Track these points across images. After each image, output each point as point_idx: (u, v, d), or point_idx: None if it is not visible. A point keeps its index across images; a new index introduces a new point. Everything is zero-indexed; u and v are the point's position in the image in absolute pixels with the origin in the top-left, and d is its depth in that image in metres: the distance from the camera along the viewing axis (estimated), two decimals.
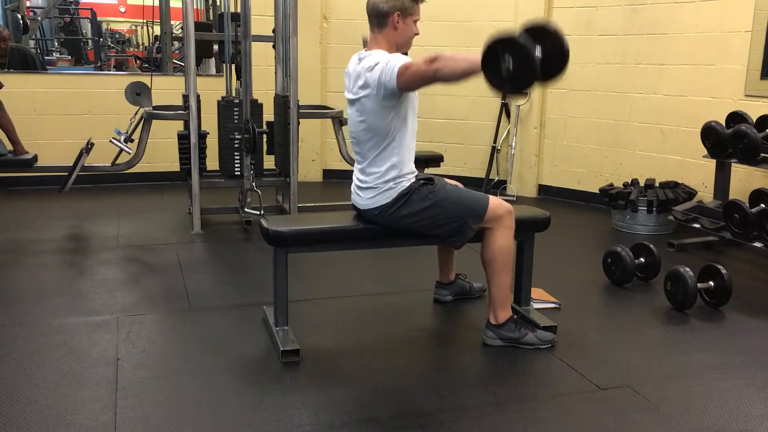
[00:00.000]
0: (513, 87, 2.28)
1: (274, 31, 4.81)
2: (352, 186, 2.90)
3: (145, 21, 9.63)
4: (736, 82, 4.57)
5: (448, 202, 2.76)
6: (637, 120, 5.26)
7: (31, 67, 6.12)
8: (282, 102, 4.63)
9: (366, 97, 2.67)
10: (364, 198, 2.81)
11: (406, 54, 2.79)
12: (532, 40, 2.22)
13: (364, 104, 2.70)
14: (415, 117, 2.78)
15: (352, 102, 2.78)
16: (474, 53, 2.33)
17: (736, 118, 4.27)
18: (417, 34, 2.79)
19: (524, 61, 2.18)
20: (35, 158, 4.85)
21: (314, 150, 6.39)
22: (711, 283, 3.33)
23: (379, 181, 2.75)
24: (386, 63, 2.57)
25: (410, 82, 2.53)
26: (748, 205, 3.85)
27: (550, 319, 3.05)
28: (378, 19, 2.72)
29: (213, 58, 6.30)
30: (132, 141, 4.69)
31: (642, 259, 3.70)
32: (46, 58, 9.06)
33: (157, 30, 8.31)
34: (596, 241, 4.69)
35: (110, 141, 4.61)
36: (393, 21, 2.70)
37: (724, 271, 3.30)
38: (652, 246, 3.69)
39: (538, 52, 2.24)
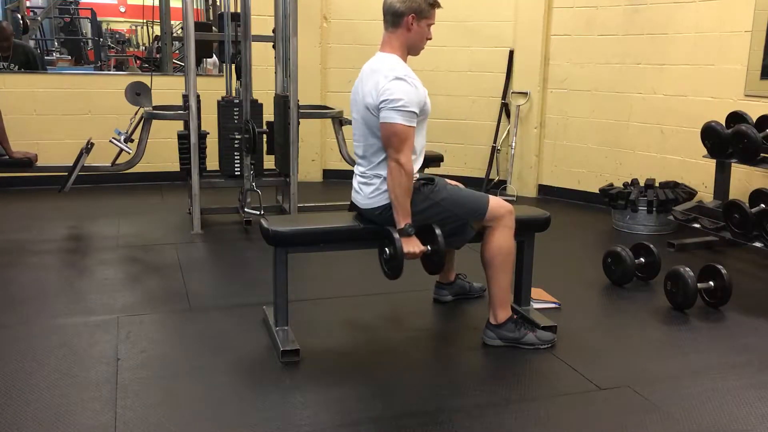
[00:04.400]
0: (385, 271, 2.74)
1: (274, 31, 4.81)
2: (353, 184, 2.90)
3: (145, 21, 9.61)
4: (736, 82, 4.57)
5: (449, 202, 2.76)
6: (637, 120, 5.26)
7: (33, 64, 6.11)
8: (282, 102, 4.63)
9: (368, 106, 2.67)
10: (364, 196, 2.80)
11: (417, 54, 2.81)
12: (415, 241, 2.63)
13: (368, 110, 2.69)
14: (424, 121, 2.77)
15: (358, 102, 2.77)
16: (406, 209, 2.64)
17: (736, 118, 4.27)
18: (430, 38, 2.79)
19: (395, 258, 2.62)
20: (35, 158, 4.85)
21: (314, 150, 6.39)
22: (711, 283, 3.33)
23: (380, 180, 2.74)
24: (390, 105, 2.58)
25: (384, 143, 2.66)
26: (748, 205, 3.85)
27: (550, 319, 3.05)
28: (393, 18, 2.72)
29: (213, 58, 6.31)
30: (132, 141, 4.68)
31: (642, 259, 3.70)
32: (46, 58, 9.06)
33: (157, 30, 8.30)
34: (596, 241, 4.70)
35: (110, 141, 4.60)
36: (407, 22, 2.70)
37: (724, 271, 3.30)
38: (652, 246, 3.69)
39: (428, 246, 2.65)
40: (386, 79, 2.61)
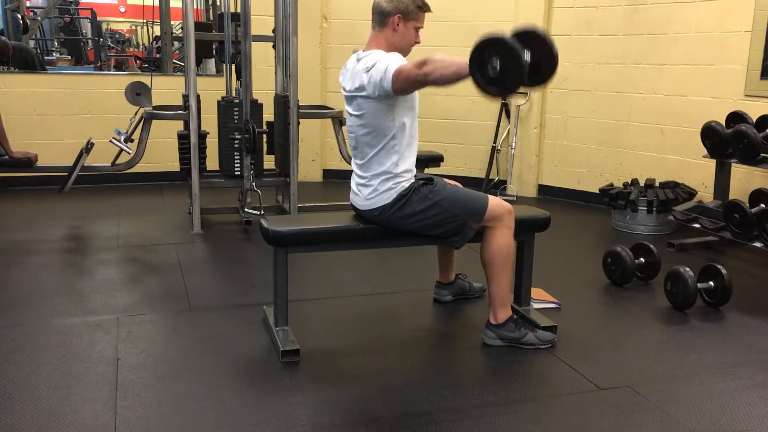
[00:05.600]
0: (499, 89, 2.27)
1: (274, 31, 4.81)
2: (351, 186, 2.90)
3: (145, 21, 9.63)
4: (736, 82, 4.57)
5: (448, 202, 2.76)
6: (637, 120, 5.26)
7: (31, 66, 6.12)
8: (282, 102, 4.63)
9: (363, 97, 2.67)
10: (363, 198, 2.81)
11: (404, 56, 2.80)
12: (520, 44, 2.20)
13: (361, 104, 2.70)
14: (415, 117, 2.77)
15: (349, 99, 2.78)
16: (464, 56, 2.32)
17: (736, 118, 4.27)
18: (418, 42, 2.78)
19: (511, 62, 2.17)
20: (35, 158, 4.85)
21: (314, 150, 6.39)
22: (711, 283, 3.33)
23: (378, 181, 2.75)
24: (384, 66, 2.56)
25: (404, 86, 2.55)
26: (748, 205, 3.85)
27: (550, 319, 3.05)
28: (380, 17, 2.73)
29: (213, 58, 6.32)
30: (132, 141, 4.69)
31: (642, 259, 3.70)
32: (46, 58, 9.06)
33: (157, 30, 8.31)
34: (596, 241, 4.70)
35: (110, 141, 4.61)
36: (393, 22, 2.71)
37: (724, 271, 3.30)
38: (652, 246, 3.69)
39: (527, 56, 2.22)
40: (363, 73, 2.63)
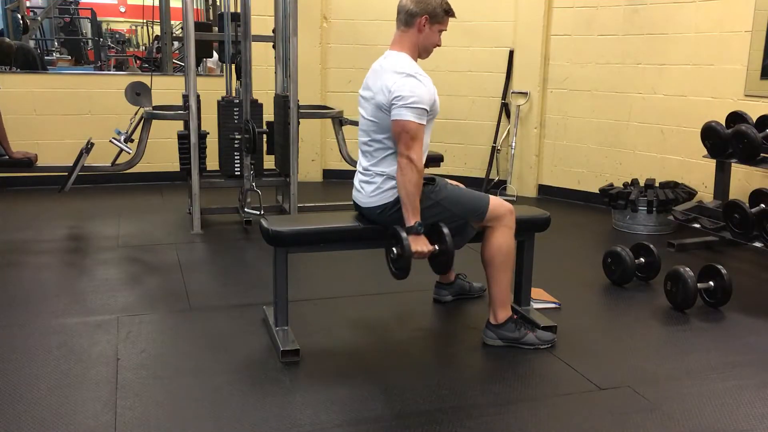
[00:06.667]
0: (395, 270, 2.67)
1: (274, 31, 4.81)
2: (354, 183, 2.90)
3: (145, 21, 9.63)
4: (736, 82, 4.57)
5: (449, 202, 2.76)
6: (637, 120, 5.26)
7: (33, 65, 6.12)
8: (282, 102, 4.63)
9: (379, 103, 2.68)
10: (365, 195, 2.80)
11: (425, 58, 2.84)
12: (435, 236, 2.63)
13: (377, 111, 2.70)
14: (429, 131, 2.78)
15: (365, 101, 2.78)
16: (416, 207, 2.62)
17: (736, 118, 4.27)
18: (439, 45, 2.82)
19: (403, 253, 2.57)
20: (35, 158, 4.85)
21: (314, 150, 6.40)
22: (711, 283, 3.33)
23: (381, 179, 2.75)
24: (406, 101, 2.59)
25: (394, 138, 2.66)
26: (748, 205, 3.85)
27: (550, 319, 3.05)
28: (406, 17, 2.74)
29: (214, 57, 6.32)
30: (132, 141, 4.68)
31: (642, 259, 3.70)
32: (46, 58, 9.06)
33: (157, 30, 8.31)
34: (596, 241, 4.69)
35: (110, 141, 4.60)
36: (419, 23, 2.72)
37: (724, 271, 3.30)
38: (652, 246, 3.70)
39: (436, 247, 2.63)
40: (397, 77, 2.64)
